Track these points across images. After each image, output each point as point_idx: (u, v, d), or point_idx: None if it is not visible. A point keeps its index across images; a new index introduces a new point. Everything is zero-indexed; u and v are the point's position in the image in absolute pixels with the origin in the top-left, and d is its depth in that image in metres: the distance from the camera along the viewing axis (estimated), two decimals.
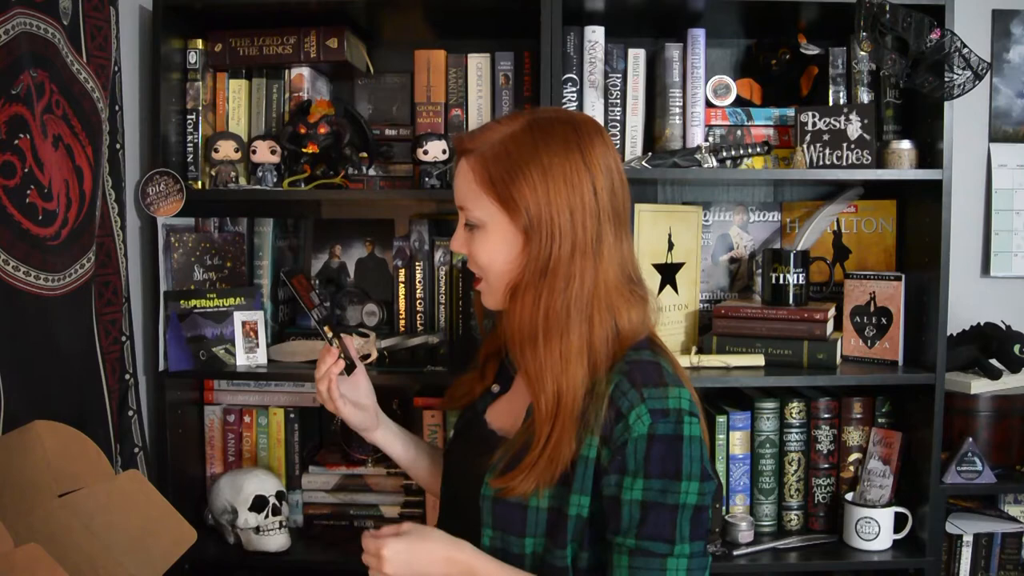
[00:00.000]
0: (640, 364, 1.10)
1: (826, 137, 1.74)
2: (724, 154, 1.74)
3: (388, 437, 1.39)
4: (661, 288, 1.82)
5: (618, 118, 1.83)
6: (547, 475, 1.07)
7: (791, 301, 1.79)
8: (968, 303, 1.99)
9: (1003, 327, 1.85)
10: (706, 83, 1.81)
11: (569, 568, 1.09)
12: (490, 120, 1.82)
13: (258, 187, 1.78)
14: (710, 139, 1.83)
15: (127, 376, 1.61)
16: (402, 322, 1.85)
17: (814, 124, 1.75)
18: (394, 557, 1.06)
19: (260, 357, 1.80)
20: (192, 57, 1.80)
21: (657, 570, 1.04)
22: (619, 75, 1.82)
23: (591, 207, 1.10)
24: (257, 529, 1.69)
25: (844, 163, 1.73)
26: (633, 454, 1.05)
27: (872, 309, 1.80)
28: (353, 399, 1.32)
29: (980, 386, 1.79)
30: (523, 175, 1.09)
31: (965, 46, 1.58)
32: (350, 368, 1.31)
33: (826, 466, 1.82)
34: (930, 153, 1.72)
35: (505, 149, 1.11)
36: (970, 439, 1.75)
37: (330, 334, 1.30)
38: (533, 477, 1.07)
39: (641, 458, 1.05)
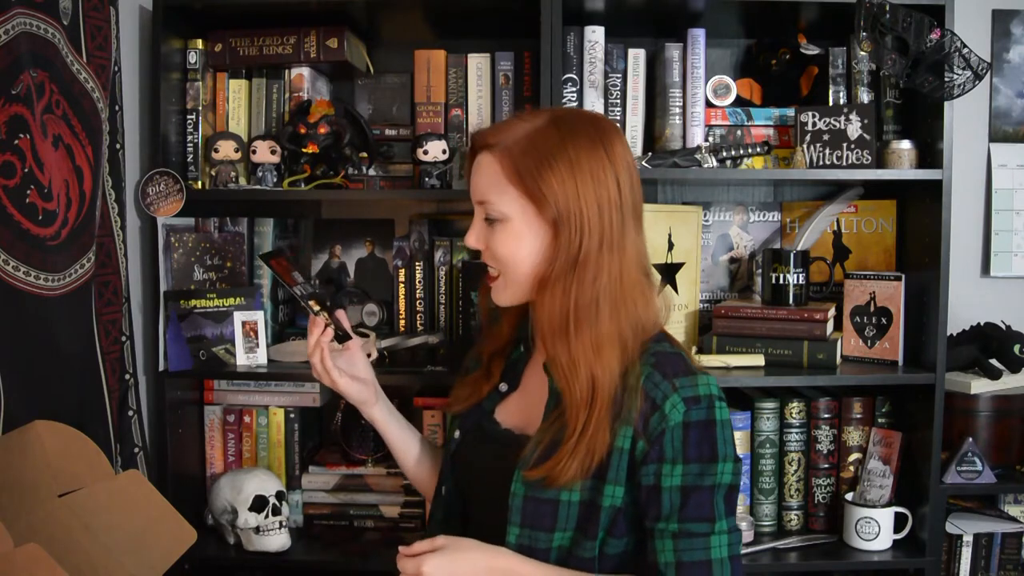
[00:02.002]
0: (666, 356, 1.14)
1: (826, 137, 1.74)
2: (724, 154, 1.74)
3: (385, 415, 1.38)
4: (660, 288, 1.82)
5: (618, 118, 1.83)
6: (585, 464, 1.09)
7: (791, 301, 1.79)
8: (968, 303, 1.99)
9: (1003, 327, 1.85)
10: (706, 83, 1.81)
11: (596, 559, 1.12)
12: (490, 119, 1.84)
13: (258, 187, 1.78)
14: (710, 139, 1.83)
15: (127, 376, 1.61)
16: (402, 322, 1.85)
17: (814, 124, 1.75)
18: (435, 573, 1.06)
19: (260, 357, 1.80)
20: (192, 57, 1.80)
21: (702, 549, 1.08)
22: (619, 75, 1.82)
23: (615, 201, 1.12)
24: (257, 529, 1.69)
25: (844, 163, 1.73)
26: (671, 442, 1.08)
27: (872, 309, 1.80)
28: (351, 372, 1.33)
29: (980, 386, 1.79)
30: (551, 169, 1.10)
31: (965, 46, 1.58)
32: (341, 338, 1.31)
33: (826, 466, 1.82)
34: (930, 153, 1.72)
35: (532, 143, 1.12)
36: (970, 439, 1.75)
37: (316, 308, 1.30)
38: (574, 465, 1.08)
39: (679, 445, 1.08)
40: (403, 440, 1.40)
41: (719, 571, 1.09)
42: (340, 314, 1.34)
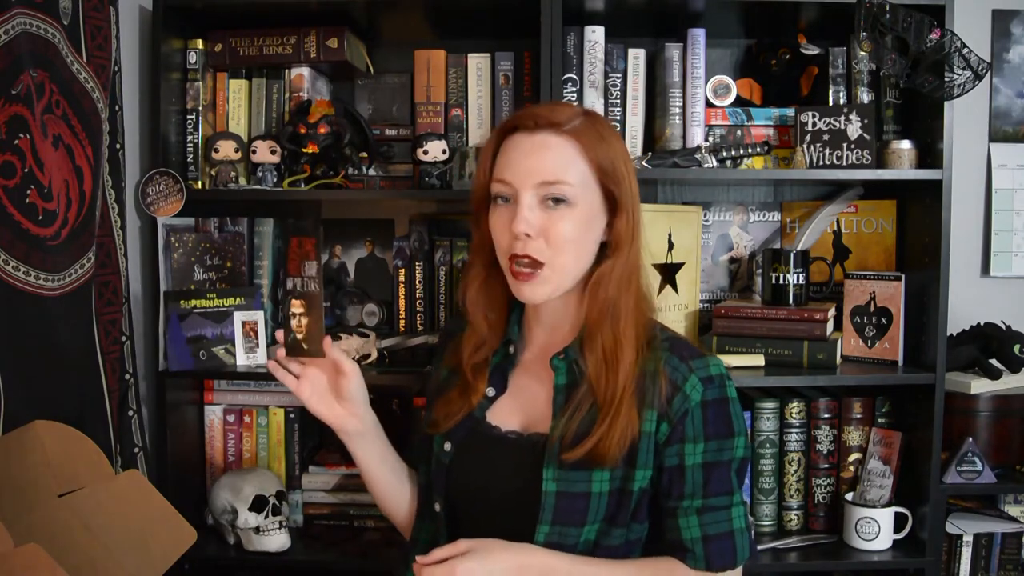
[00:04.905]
0: (677, 340, 1.20)
1: (826, 137, 1.74)
2: (724, 154, 1.74)
3: (366, 451, 1.27)
4: (661, 288, 1.82)
5: (618, 118, 1.83)
6: (622, 446, 1.11)
7: (791, 301, 1.79)
8: (968, 303, 1.99)
9: (1003, 327, 1.85)
10: (706, 83, 1.81)
11: (623, 545, 1.14)
12: (490, 119, 1.84)
13: (258, 187, 1.78)
14: (710, 139, 1.83)
15: (127, 376, 1.61)
16: (402, 322, 1.85)
17: (814, 124, 1.75)
18: None
19: (260, 357, 1.80)
20: (192, 57, 1.80)
21: (725, 521, 1.14)
22: (619, 75, 1.82)
23: (639, 198, 1.19)
24: (257, 529, 1.69)
25: (844, 163, 1.73)
26: (691, 423, 1.13)
27: (872, 309, 1.80)
28: (334, 396, 1.23)
29: (980, 386, 1.79)
30: (615, 160, 1.15)
31: (965, 46, 1.58)
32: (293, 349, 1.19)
33: (826, 466, 1.82)
34: (930, 153, 1.72)
35: (597, 132, 1.15)
36: (970, 439, 1.75)
37: (298, 309, 1.18)
38: (614, 442, 1.10)
39: (699, 425, 1.13)
40: (385, 481, 1.30)
41: (740, 540, 1.15)
42: (327, 342, 1.20)
